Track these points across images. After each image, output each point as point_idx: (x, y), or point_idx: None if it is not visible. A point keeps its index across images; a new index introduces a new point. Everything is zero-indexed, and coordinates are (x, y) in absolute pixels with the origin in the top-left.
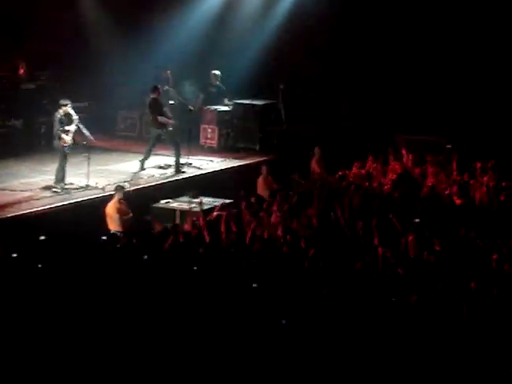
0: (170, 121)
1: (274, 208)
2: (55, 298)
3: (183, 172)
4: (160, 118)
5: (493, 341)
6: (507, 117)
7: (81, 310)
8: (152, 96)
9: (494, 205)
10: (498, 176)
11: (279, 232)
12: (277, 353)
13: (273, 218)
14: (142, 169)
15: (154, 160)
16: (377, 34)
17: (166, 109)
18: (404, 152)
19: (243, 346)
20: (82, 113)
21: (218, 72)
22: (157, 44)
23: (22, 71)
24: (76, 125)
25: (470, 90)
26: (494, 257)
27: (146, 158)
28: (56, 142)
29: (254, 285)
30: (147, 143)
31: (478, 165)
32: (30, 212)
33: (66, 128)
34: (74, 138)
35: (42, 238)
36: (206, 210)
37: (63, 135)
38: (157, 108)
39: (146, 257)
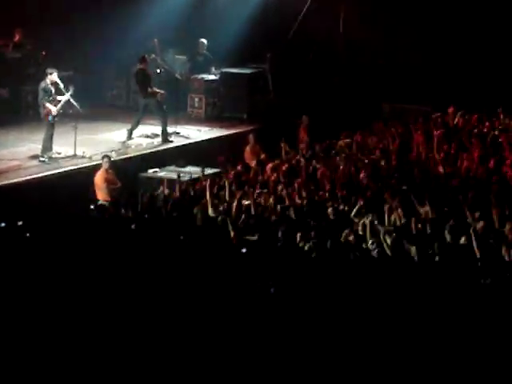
0: (157, 90)
1: (263, 177)
2: (43, 269)
3: (171, 141)
4: (148, 88)
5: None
6: (494, 82)
7: (69, 284)
8: (139, 66)
9: (481, 173)
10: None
11: (267, 202)
12: (265, 321)
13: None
14: (130, 138)
15: (141, 129)
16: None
17: (152, 78)
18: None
19: (232, 314)
20: (68, 82)
21: (204, 40)
22: (144, 13)
23: (17, 37)
24: (70, 94)
25: (456, 56)
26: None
27: (133, 128)
28: (41, 112)
29: (243, 250)
30: (134, 112)
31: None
32: (17, 181)
33: (57, 98)
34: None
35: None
36: (194, 179)
37: (47, 104)
38: (144, 78)
39: (133, 226)
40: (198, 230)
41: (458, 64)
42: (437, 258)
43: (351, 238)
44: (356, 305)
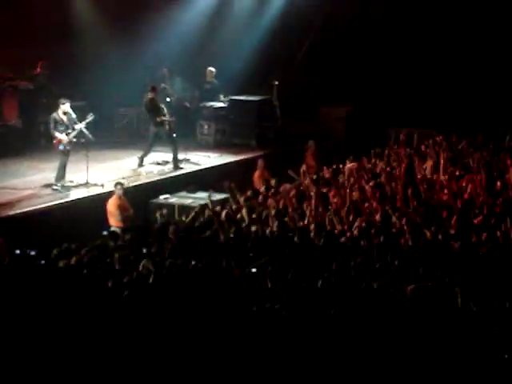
0: (167, 118)
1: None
2: (57, 295)
3: (181, 168)
4: (157, 118)
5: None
6: (496, 104)
7: (82, 309)
8: (149, 96)
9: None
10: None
11: (274, 227)
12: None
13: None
14: (141, 165)
15: (152, 157)
16: (369, 30)
17: (163, 106)
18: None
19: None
20: (80, 112)
21: (213, 69)
22: (152, 42)
23: (38, 70)
24: (84, 125)
25: (459, 81)
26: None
27: (145, 155)
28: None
29: (253, 270)
30: (144, 140)
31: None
32: (31, 210)
33: (74, 126)
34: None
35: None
36: (203, 204)
37: (57, 134)
38: (153, 107)
39: (144, 250)
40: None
41: (461, 88)
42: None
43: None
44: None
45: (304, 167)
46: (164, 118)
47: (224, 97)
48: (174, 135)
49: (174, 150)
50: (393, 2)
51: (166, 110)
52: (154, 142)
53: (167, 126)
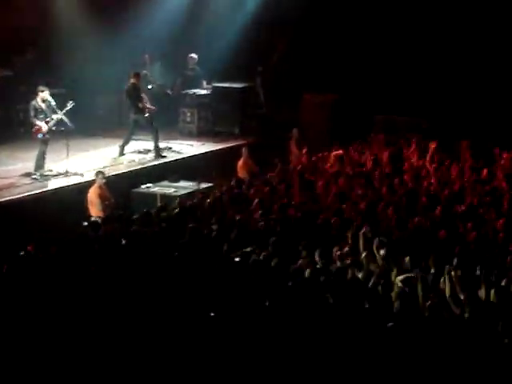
0: (148, 106)
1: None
2: (37, 287)
3: (164, 156)
4: (139, 104)
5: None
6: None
7: (63, 300)
8: (131, 81)
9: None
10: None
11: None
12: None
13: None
14: (122, 154)
15: (133, 145)
16: (353, 17)
17: (143, 94)
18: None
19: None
20: (60, 99)
21: (194, 55)
22: (133, 28)
23: (29, 54)
24: (63, 112)
25: (449, 71)
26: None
27: (125, 144)
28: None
29: (237, 259)
30: (126, 128)
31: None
32: (10, 199)
33: (52, 115)
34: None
35: None
36: (186, 194)
37: (37, 122)
38: (135, 94)
39: (124, 242)
40: (190, 244)
41: (451, 77)
42: (432, 270)
43: (346, 250)
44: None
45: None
46: (146, 105)
47: (207, 83)
48: (155, 123)
49: (156, 139)
50: None
51: (146, 98)
52: (134, 129)
53: (147, 114)
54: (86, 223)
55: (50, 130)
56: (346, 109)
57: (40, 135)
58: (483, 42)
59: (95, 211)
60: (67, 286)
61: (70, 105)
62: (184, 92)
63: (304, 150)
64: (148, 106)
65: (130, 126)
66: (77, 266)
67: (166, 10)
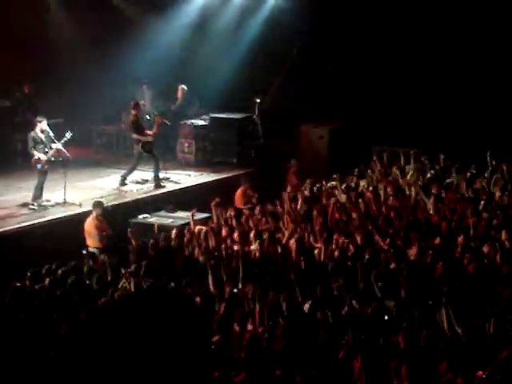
0: (149, 133)
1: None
2: (32, 318)
3: (163, 186)
4: (142, 137)
5: None
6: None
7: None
8: (133, 113)
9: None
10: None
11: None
12: None
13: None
14: (124, 184)
15: (131, 175)
16: (350, 48)
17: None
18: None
19: None
20: (58, 129)
21: (184, 86)
22: (131, 58)
23: (27, 90)
24: (61, 143)
25: (444, 101)
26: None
27: (128, 174)
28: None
29: (235, 290)
30: (124, 158)
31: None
32: (7, 230)
33: (52, 145)
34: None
35: None
36: (183, 224)
37: (35, 152)
38: (137, 125)
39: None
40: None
41: (447, 108)
42: (430, 302)
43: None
44: None
45: (288, 188)
46: (147, 133)
47: (199, 108)
48: (156, 153)
49: (156, 169)
50: (377, 19)
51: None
52: (138, 161)
53: (150, 141)
54: (84, 252)
55: (48, 161)
56: (344, 139)
57: (39, 165)
58: (477, 75)
59: (92, 242)
60: (59, 320)
61: (68, 135)
62: (182, 122)
63: (308, 181)
64: (148, 132)
65: (135, 157)
66: (69, 297)
67: (165, 41)
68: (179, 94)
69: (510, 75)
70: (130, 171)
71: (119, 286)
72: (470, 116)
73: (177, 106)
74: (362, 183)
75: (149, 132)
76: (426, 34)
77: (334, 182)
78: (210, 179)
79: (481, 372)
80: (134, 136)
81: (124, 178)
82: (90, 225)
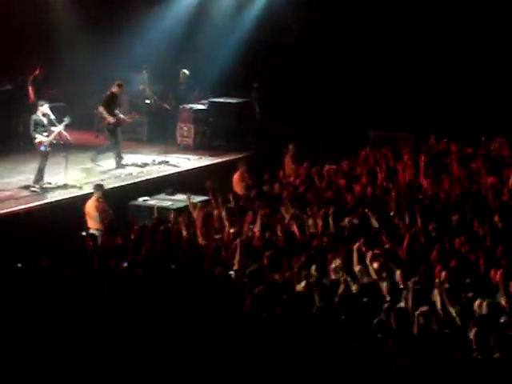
0: (112, 118)
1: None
2: (35, 299)
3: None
4: (107, 116)
5: None
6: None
7: (60, 312)
8: (112, 89)
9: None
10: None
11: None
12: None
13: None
14: (121, 166)
15: (131, 158)
16: (347, 32)
17: (118, 108)
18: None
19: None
20: (59, 112)
21: (186, 71)
22: (132, 43)
23: (37, 72)
24: (65, 124)
25: (437, 83)
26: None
27: (118, 155)
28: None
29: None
30: (124, 142)
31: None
32: (9, 211)
33: (51, 128)
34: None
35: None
36: (181, 207)
37: (37, 135)
38: (110, 101)
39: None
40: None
41: (443, 92)
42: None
43: (337, 263)
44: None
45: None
46: (114, 117)
47: (199, 92)
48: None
49: (104, 148)
50: (375, 8)
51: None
52: (114, 138)
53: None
54: (84, 233)
55: (50, 144)
56: (341, 123)
57: (43, 148)
58: (474, 66)
59: (93, 223)
60: (59, 301)
61: (67, 120)
62: (181, 107)
63: (305, 164)
64: (122, 117)
65: (108, 136)
66: (69, 279)
67: (164, 26)
68: (181, 79)
69: (505, 58)
70: (117, 151)
71: None
72: (464, 100)
73: (178, 90)
74: (359, 167)
75: (122, 116)
76: (422, 21)
77: (331, 166)
78: (209, 163)
79: None
80: (99, 110)
81: (117, 159)
82: (90, 207)
